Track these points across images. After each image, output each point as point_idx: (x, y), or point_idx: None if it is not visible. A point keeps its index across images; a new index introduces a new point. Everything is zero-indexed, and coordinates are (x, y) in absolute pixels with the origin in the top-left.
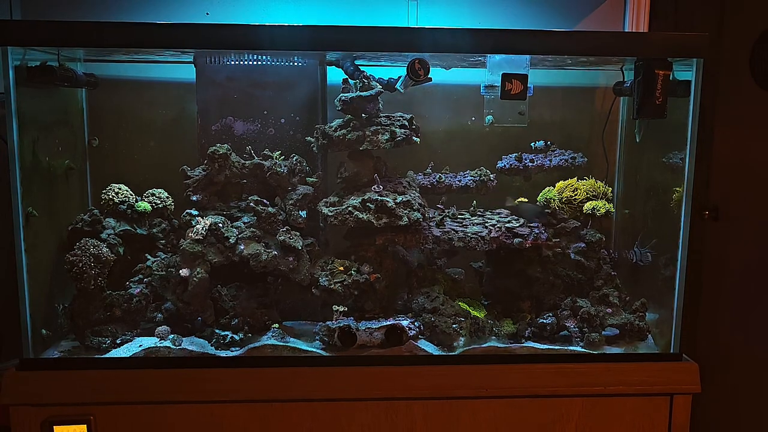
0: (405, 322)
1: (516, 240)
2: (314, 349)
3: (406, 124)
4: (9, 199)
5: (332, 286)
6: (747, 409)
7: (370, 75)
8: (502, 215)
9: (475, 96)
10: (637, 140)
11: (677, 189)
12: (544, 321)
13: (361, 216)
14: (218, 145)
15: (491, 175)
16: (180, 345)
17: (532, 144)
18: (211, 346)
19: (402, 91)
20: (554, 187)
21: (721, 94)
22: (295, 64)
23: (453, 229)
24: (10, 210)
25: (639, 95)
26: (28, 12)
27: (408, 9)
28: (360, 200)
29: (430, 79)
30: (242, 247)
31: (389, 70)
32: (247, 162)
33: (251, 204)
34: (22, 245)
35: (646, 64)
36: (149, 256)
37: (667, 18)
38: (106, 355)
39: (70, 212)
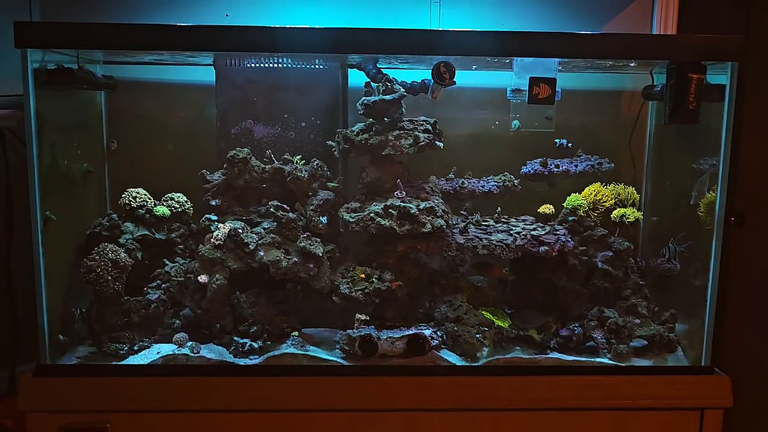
0: (427, 332)
1: (542, 248)
2: (334, 359)
3: (429, 128)
4: (28, 202)
5: (353, 294)
6: None
7: (393, 78)
8: (527, 222)
9: (501, 99)
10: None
11: (704, 194)
12: (564, 332)
13: (383, 222)
14: (238, 149)
15: (515, 181)
16: (198, 352)
17: (556, 141)
18: (230, 353)
19: (431, 98)
20: (581, 193)
21: (747, 97)
22: (316, 66)
23: (477, 237)
24: (28, 214)
25: (671, 100)
26: (48, 13)
27: (431, 11)
28: (382, 206)
29: (455, 83)
30: (262, 254)
31: (413, 73)
32: (267, 166)
33: (271, 209)
34: (40, 249)
35: (678, 68)
36: (167, 262)
37: (691, 18)
38: (124, 362)
39: (89, 216)
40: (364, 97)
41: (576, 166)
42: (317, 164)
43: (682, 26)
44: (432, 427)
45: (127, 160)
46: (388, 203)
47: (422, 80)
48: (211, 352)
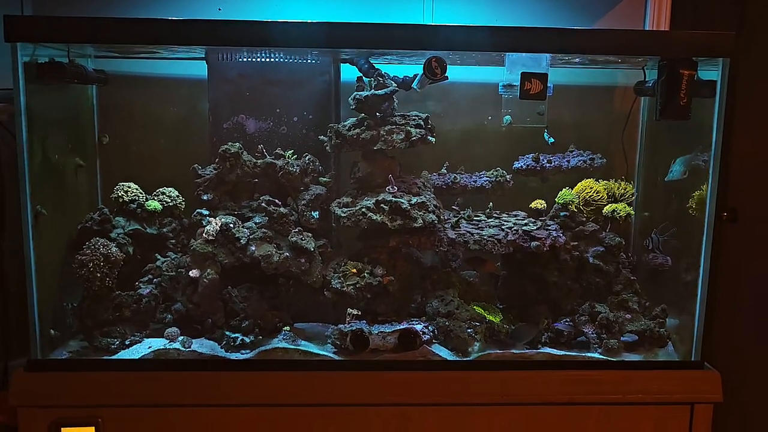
0: (419, 326)
1: (533, 243)
2: (326, 353)
3: (422, 123)
4: (18, 197)
5: (345, 289)
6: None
7: (385, 73)
8: (518, 217)
9: (492, 95)
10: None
11: (697, 191)
12: (561, 327)
13: (374, 217)
14: (230, 143)
15: (508, 176)
16: (190, 347)
17: (545, 136)
18: (221, 348)
19: (418, 89)
20: (572, 188)
21: (740, 93)
22: (309, 61)
23: (468, 232)
24: (19, 208)
25: (662, 96)
26: (39, 7)
27: (423, 6)
28: (374, 201)
29: (447, 78)
30: (253, 248)
31: (405, 68)
32: (258, 161)
33: (263, 204)
34: (31, 244)
35: (670, 64)
36: (159, 256)
37: (686, 14)
38: (115, 357)
39: (80, 211)
40: (356, 92)
41: (568, 161)
42: (309, 159)
43: (676, 21)
44: (423, 422)
45: (118, 155)
46: (380, 198)
47: (414, 75)
48: (202, 346)
